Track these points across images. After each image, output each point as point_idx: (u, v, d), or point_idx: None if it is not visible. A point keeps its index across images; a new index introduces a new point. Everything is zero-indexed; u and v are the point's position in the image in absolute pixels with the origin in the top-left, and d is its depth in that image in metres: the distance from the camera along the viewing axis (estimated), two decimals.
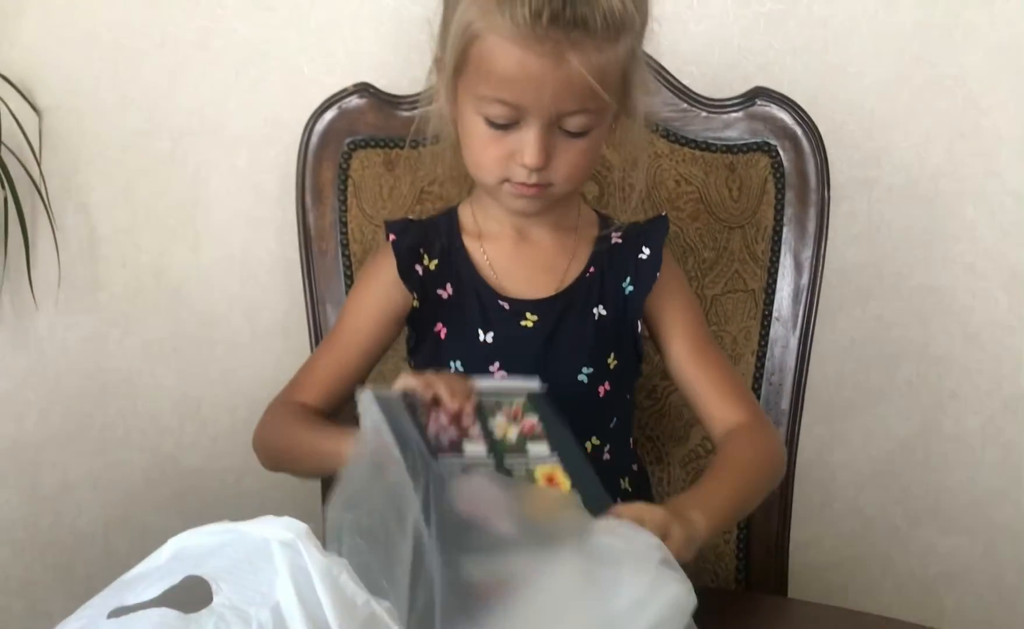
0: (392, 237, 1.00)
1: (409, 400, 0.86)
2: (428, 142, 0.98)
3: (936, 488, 1.44)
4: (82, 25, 1.31)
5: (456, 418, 0.85)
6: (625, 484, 1.03)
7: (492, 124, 0.89)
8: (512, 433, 0.88)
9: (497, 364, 0.98)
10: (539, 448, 0.88)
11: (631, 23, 0.87)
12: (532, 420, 0.90)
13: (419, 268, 0.99)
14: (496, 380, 0.95)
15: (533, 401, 0.92)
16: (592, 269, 1.00)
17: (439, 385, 0.85)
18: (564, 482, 0.85)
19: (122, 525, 1.43)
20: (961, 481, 1.44)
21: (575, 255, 1.00)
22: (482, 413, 0.89)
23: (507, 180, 0.92)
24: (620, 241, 1.01)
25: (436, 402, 0.85)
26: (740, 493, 0.91)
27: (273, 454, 1.01)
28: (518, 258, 1.00)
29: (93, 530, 1.44)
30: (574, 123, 0.89)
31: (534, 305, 0.98)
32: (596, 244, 1.00)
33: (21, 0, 1.30)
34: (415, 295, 0.99)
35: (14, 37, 1.30)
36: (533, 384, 0.93)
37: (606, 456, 1.00)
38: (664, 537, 0.76)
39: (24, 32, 1.30)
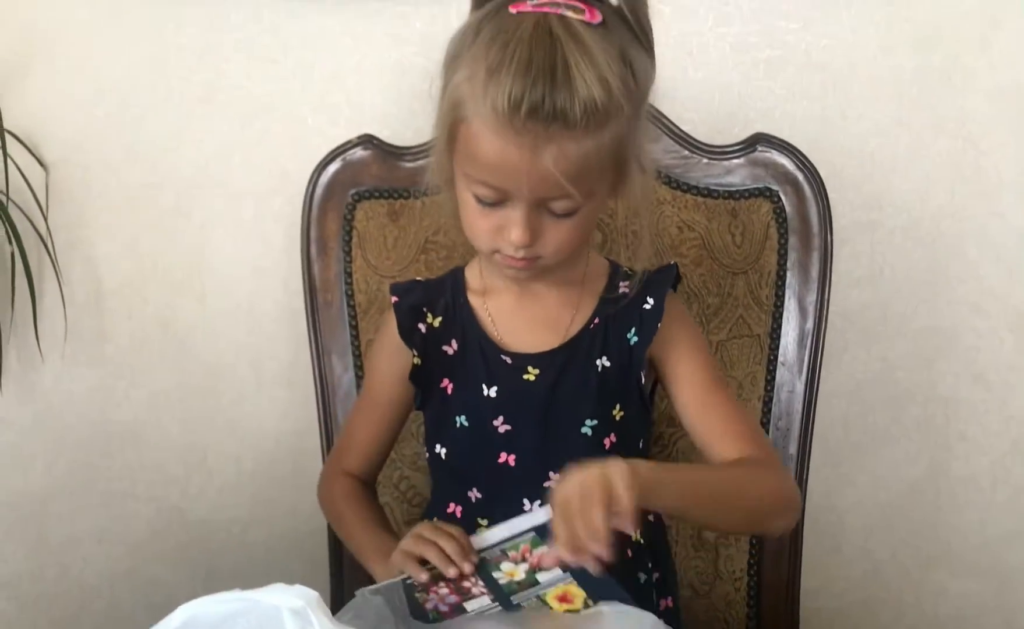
0: (395, 300, 1.02)
1: (408, 581, 0.89)
2: (432, 191, 0.99)
3: (947, 530, 1.43)
4: (88, 81, 1.32)
5: (457, 582, 0.88)
6: (636, 535, 1.01)
7: (480, 201, 0.89)
8: (520, 572, 0.89)
9: (501, 418, 0.98)
10: (551, 574, 0.88)
11: (617, 111, 0.85)
12: (541, 551, 0.89)
13: (422, 327, 1.01)
14: (498, 530, 0.94)
15: (542, 534, 0.91)
16: (597, 320, 1.00)
17: (432, 554, 0.89)
18: (578, 594, 0.85)
19: (128, 578, 1.42)
20: (972, 523, 1.43)
21: (579, 308, 1.00)
22: (485, 569, 0.90)
23: (498, 251, 0.92)
24: (627, 291, 1.00)
25: (435, 579, 0.88)
26: (705, 482, 0.91)
27: (330, 523, 1.12)
28: (521, 312, 1.00)
29: (99, 584, 1.43)
30: (559, 206, 0.89)
31: (536, 358, 0.98)
32: (603, 295, 1.00)
33: (28, 57, 1.31)
34: (415, 352, 1.00)
35: (21, 94, 1.31)
36: (539, 517, 0.92)
37: None
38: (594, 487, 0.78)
39: (31, 88, 1.32)
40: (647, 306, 0.99)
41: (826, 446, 1.39)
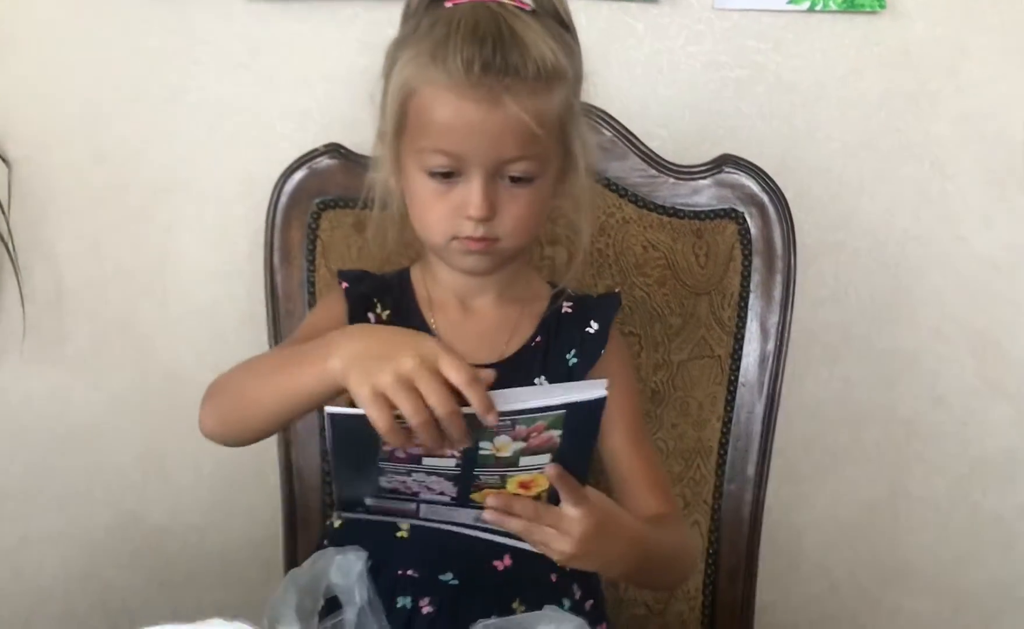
0: (344, 285, 1.00)
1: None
2: (373, 209, 0.98)
3: (903, 550, 1.44)
4: (54, 79, 1.30)
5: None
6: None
7: (435, 176, 0.89)
8: (508, 450, 0.76)
9: None
10: (536, 460, 0.76)
11: (563, 74, 0.89)
12: (550, 435, 0.75)
13: (371, 316, 0.98)
14: (535, 394, 0.77)
15: (569, 417, 0.75)
16: (539, 338, 0.98)
17: (421, 421, 0.72)
18: (541, 482, 0.79)
19: (82, 582, 1.41)
20: (928, 543, 1.44)
21: (517, 328, 0.98)
22: (478, 435, 0.75)
23: (455, 237, 0.91)
24: (570, 311, 0.99)
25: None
26: (658, 552, 0.90)
27: (232, 394, 0.90)
28: (462, 327, 0.98)
29: (53, 586, 1.41)
30: (517, 169, 0.89)
31: None
32: (545, 314, 0.99)
33: None
34: None
35: None
36: (586, 393, 0.74)
37: None
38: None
39: None
40: (590, 330, 0.98)
41: (786, 464, 1.38)
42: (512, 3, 0.88)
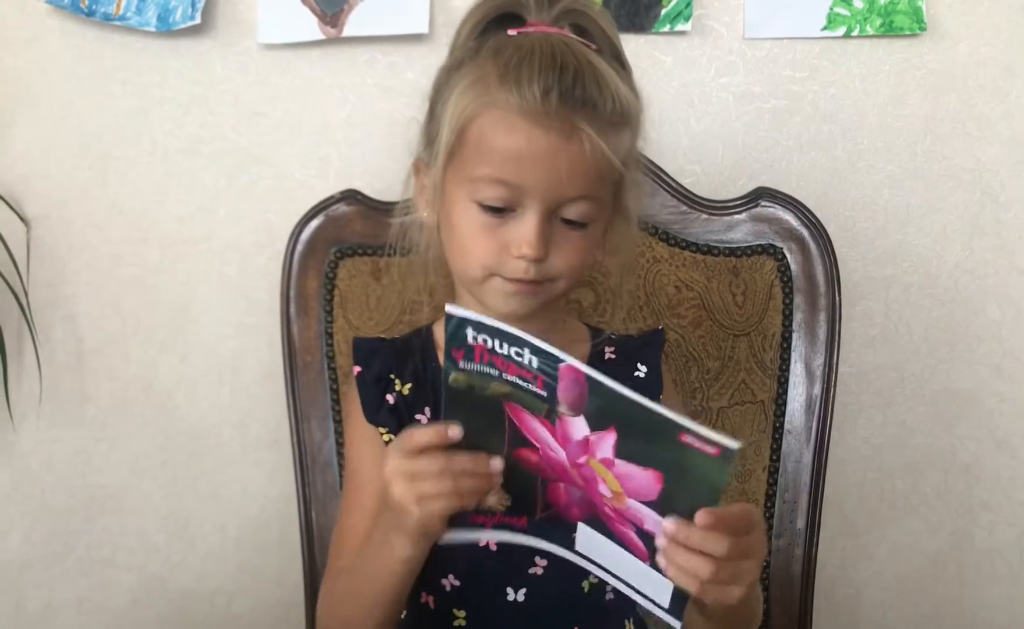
0: (358, 370, 0.93)
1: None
2: (403, 252, 0.94)
3: (971, 606, 1.36)
4: (71, 134, 1.29)
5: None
6: (629, 625, 0.94)
7: (487, 210, 0.83)
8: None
9: None
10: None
11: (635, 116, 0.85)
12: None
13: (390, 397, 0.92)
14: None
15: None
16: None
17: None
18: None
19: None
20: (998, 598, 1.35)
21: None
22: None
23: (497, 275, 0.85)
24: (613, 357, 0.94)
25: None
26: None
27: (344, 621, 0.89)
28: None
29: None
30: (575, 211, 0.83)
31: None
32: (588, 357, 0.93)
33: (10, 111, 1.28)
34: (384, 429, 0.91)
35: (3, 148, 1.28)
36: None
37: (609, 595, 0.91)
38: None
39: (13, 143, 1.28)
40: (639, 375, 0.92)
41: (841, 515, 1.32)
42: (579, 40, 0.83)
